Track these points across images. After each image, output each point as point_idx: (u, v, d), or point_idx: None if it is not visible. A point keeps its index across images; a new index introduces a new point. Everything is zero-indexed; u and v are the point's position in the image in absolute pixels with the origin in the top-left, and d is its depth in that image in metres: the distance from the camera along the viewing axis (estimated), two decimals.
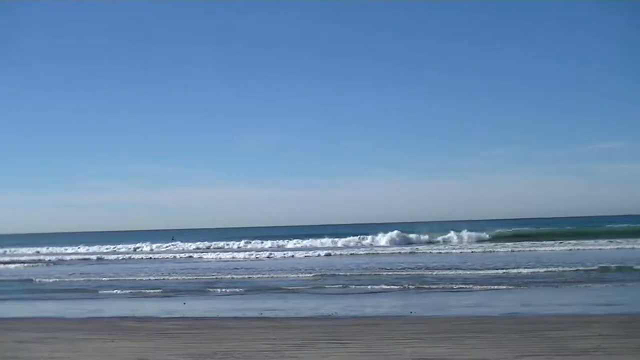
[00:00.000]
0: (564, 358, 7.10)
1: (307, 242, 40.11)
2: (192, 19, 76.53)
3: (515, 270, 19.00)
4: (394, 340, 8.52)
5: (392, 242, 38.05)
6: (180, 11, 76.03)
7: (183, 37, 78.33)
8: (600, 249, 28.47)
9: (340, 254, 31.13)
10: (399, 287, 16.27)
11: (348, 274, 20.12)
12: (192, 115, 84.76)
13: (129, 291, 17.11)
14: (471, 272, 19.34)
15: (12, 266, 30.13)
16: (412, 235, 39.67)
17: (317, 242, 39.69)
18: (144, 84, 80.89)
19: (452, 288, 15.86)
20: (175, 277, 20.97)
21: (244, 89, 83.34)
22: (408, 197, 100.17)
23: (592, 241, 31.79)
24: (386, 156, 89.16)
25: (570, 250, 28.36)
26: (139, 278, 21.02)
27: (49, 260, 33.20)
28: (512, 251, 28.90)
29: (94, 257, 34.85)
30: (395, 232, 39.54)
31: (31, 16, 70.53)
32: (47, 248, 42.20)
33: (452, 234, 39.60)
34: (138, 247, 40.92)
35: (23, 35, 73.03)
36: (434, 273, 19.27)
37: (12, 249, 43.22)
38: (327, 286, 17.05)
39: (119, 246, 41.54)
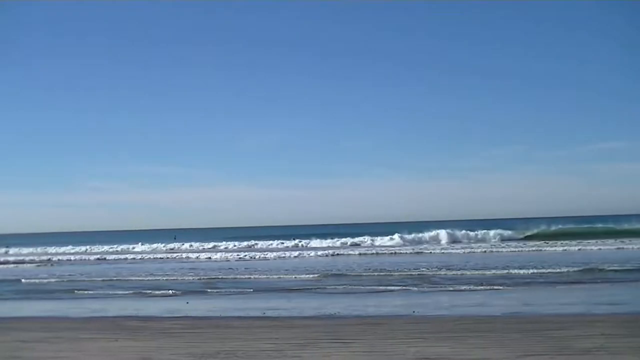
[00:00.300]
0: (567, 357, 7.10)
1: (307, 242, 40.11)
2: (192, 19, 76.62)
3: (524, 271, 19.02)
4: (397, 339, 8.53)
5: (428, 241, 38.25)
6: (180, 11, 76.11)
7: (183, 37, 78.41)
8: (616, 248, 28.68)
9: (347, 254, 31.12)
10: (402, 286, 16.30)
11: (351, 273, 20.14)
12: (192, 115, 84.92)
13: (132, 291, 17.13)
14: (474, 272, 19.36)
15: (16, 266, 30.18)
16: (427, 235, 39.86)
17: (318, 242, 39.69)
18: (144, 84, 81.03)
19: (456, 288, 15.88)
20: (177, 277, 20.97)
21: (244, 89, 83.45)
22: (408, 197, 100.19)
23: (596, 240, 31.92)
24: (386, 156, 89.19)
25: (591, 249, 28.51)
26: (141, 278, 21.05)
27: (48, 260, 33.26)
28: (539, 250, 28.89)
29: (95, 257, 34.87)
30: (396, 234, 39.60)
31: (31, 16, 70.56)
32: (45, 248, 42.15)
33: (464, 233, 39.78)
34: (139, 247, 40.95)
35: (23, 35, 73.14)
36: (441, 272, 19.29)
37: (13, 249, 43.26)
38: (329, 286, 17.06)
39: (120, 246, 41.56)
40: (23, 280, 21.53)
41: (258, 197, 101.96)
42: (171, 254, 34.82)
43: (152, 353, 7.92)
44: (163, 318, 11.92)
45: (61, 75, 79.66)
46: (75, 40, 78.39)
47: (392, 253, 30.89)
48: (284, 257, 30.13)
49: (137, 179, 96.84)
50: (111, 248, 40.69)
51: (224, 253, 33.77)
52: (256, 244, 41.12)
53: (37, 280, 21.37)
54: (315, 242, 39.81)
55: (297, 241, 40.91)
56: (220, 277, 20.39)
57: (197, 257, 31.90)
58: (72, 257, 34.67)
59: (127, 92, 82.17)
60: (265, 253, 32.49)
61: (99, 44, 78.57)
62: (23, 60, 75.91)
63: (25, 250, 41.95)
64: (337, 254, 30.88)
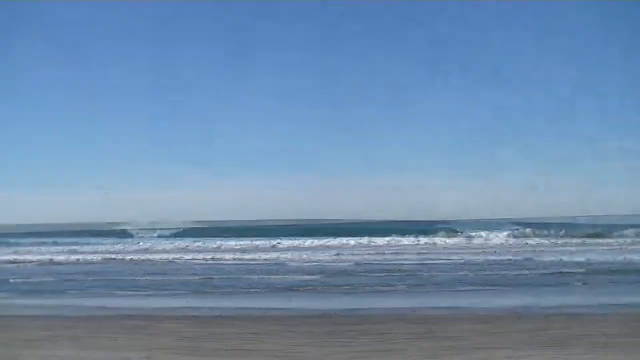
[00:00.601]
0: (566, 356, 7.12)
1: (315, 241, 39.76)
2: (191, 19, 76.55)
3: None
4: (398, 339, 8.53)
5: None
6: (178, 11, 75.98)
7: (185, 37, 78.33)
8: None
9: (360, 254, 31.08)
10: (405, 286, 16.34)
11: (360, 273, 20.17)
12: (193, 112, 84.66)
13: (133, 290, 17.12)
14: (474, 274, 19.39)
15: (17, 266, 30.21)
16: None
17: (328, 241, 39.42)
18: (145, 83, 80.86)
19: (455, 287, 15.90)
20: (177, 277, 20.92)
21: (247, 88, 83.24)
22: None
23: None
24: (390, 154, 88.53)
25: None
26: (140, 277, 21.00)
27: (43, 260, 33.26)
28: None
29: (96, 256, 34.87)
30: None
31: (31, 16, 70.35)
32: (41, 248, 42.07)
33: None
34: (140, 246, 40.93)
35: (23, 36, 72.97)
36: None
37: (15, 248, 43.25)
38: (332, 285, 17.04)
39: (123, 244, 41.56)
40: (20, 279, 21.51)
41: (262, 192, 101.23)
42: (170, 254, 34.74)
43: (153, 352, 7.92)
44: (164, 317, 11.90)
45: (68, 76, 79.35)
46: (76, 41, 78.24)
47: (396, 252, 30.90)
48: (286, 257, 30.02)
49: (139, 177, 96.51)
50: (112, 247, 40.70)
51: (226, 254, 33.69)
52: (259, 241, 40.94)
53: (37, 280, 21.34)
54: (322, 241, 39.54)
55: (311, 240, 40.26)
56: (222, 276, 20.36)
57: (193, 258, 31.79)
58: (73, 257, 34.65)
59: (129, 91, 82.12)
60: (267, 253, 32.44)
61: (99, 44, 78.33)
62: (23, 63, 75.52)
63: (23, 249, 41.84)
64: (347, 253, 30.82)
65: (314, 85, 78.10)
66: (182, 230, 51.60)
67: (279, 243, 40.65)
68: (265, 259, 29.04)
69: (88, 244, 42.82)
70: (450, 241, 38.21)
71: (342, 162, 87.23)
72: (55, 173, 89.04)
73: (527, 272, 18.64)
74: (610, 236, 37.07)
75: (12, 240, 49.36)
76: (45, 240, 48.05)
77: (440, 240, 38.55)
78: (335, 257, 29.06)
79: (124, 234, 49.95)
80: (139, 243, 42.42)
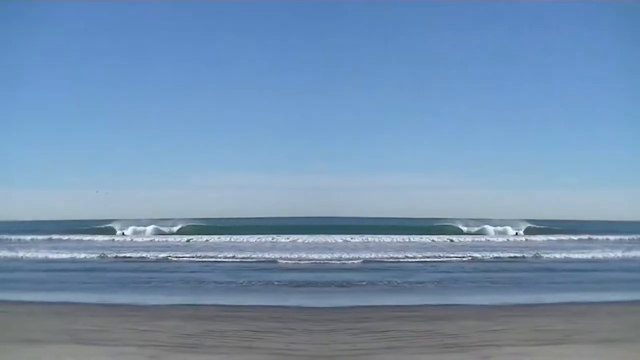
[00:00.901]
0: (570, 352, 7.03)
1: (316, 238, 39.46)
2: (190, 17, 76.51)
3: None
4: (400, 337, 8.44)
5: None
6: (177, 9, 75.86)
7: (182, 35, 78.32)
8: None
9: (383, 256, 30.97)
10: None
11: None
12: (198, 107, 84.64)
13: (132, 286, 17.05)
14: (478, 271, 19.30)
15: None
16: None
17: (330, 238, 39.11)
18: (145, 79, 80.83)
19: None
20: (176, 274, 20.81)
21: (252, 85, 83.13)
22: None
23: None
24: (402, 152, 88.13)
25: None
26: (140, 274, 20.91)
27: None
28: None
29: (94, 254, 34.77)
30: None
31: (28, 15, 70.11)
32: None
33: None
34: (139, 243, 40.82)
35: (23, 35, 72.82)
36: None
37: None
38: (334, 283, 16.94)
39: (121, 241, 41.49)
40: (16, 276, 21.44)
41: (262, 189, 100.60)
42: (168, 251, 34.64)
43: (152, 349, 7.81)
44: (163, 314, 11.81)
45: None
46: (78, 41, 78.29)
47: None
48: (286, 254, 29.92)
49: (144, 172, 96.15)
50: (110, 243, 40.60)
51: (222, 250, 33.58)
52: (260, 239, 40.64)
53: (33, 276, 21.24)
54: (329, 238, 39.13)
55: (312, 237, 39.77)
56: (220, 273, 20.28)
57: (192, 255, 31.62)
58: (71, 254, 34.54)
59: (129, 89, 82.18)
60: (266, 250, 32.35)
61: (99, 43, 78.34)
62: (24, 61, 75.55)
63: (19, 245, 41.60)
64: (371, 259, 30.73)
65: (315, 81, 77.98)
66: (181, 227, 51.57)
67: (278, 240, 40.49)
68: (265, 256, 28.95)
69: (85, 241, 42.72)
70: (454, 238, 38.14)
71: (345, 159, 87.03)
72: (54, 170, 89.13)
73: (530, 269, 18.54)
74: (616, 233, 37.04)
75: (6, 237, 49.25)
76: (41, 236, 47.99)
77: (444, 238, 38.45)
78: (338, 254, 28.96)
79: (122, 231, 49.95)
80: (135, 240, 42.35)
